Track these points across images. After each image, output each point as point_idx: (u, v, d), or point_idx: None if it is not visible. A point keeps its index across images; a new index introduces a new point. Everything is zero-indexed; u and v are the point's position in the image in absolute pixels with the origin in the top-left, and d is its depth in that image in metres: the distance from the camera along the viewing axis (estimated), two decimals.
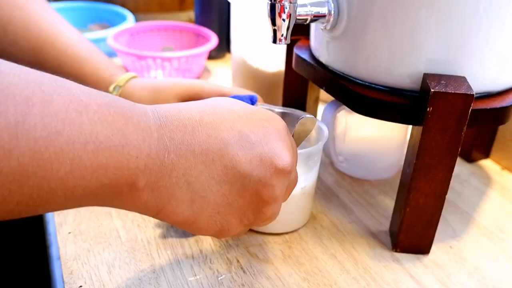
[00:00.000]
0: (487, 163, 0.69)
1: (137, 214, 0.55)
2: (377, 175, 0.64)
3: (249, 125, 0.35)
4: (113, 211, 0.55)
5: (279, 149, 0.36)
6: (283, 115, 0.56)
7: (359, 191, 0.61)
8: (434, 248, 0.52)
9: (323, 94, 0.75)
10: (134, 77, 0.61)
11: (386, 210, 0.58)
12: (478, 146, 0.68)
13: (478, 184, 0.64)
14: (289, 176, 0.37)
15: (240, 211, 0.36)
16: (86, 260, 0.48)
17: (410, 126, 0.63)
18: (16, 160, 0.25)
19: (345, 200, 0.60)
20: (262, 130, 0.36)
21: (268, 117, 0.38)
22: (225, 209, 0.35)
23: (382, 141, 0.62)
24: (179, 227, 0.36)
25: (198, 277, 0.47)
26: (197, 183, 0.33)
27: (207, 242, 0.51)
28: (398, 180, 0.62)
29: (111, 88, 0.59)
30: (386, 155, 0.63)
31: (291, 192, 0.41)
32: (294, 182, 0.41)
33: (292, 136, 0.44)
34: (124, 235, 0.51)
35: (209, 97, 0.62)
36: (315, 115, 0.67)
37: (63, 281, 0.45)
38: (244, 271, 0.48)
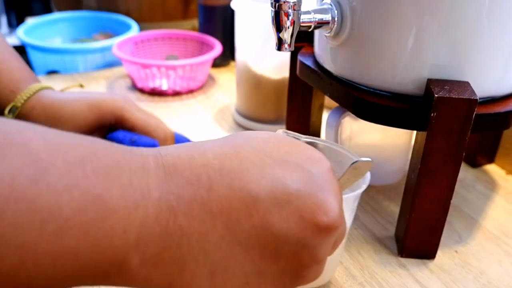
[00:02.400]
0: (492, 168, 0.69)
1: None
2: (382, 181, 0.64)
3: (285, 170, 0.28)
4: None
5: (324, 200, 0.28)
6: (311, 145, 0.43)
7: (365, 197, 0.62)
8: (439, 253, 0.52)
9: (328, 101, 0.76)
10: (41, 89, 0.54)
11: (392, 216, 0.58)
12: (483, 151, 0.69)
13: (483, 189, 0.64)
14: (336, 233, 0.29)
15: (275, 279, 0.28)
16: None
17: (415, 132, 0.63)
18: None
19: None
20: (302, 175, 0.28)
21: (309, 156, 0.30)
22: (255, 278, 0.27)
23: (386, 147, 0.63)
24: None
25: None
26: (218, 250, 0.26)
27: None
28: (403, 186, 0.62)
29: (6, 111, 0.50)
30: (391, 161, 0.64)
31: (338, 246, 0.33)
32: (342, 235, 0.32)
33: (341, 178, 0.36)
34: None
35: (128, 123, 0.55)
36: (319, 121, 0.67)
37: None
38: None
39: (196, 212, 0.25)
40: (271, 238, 0.27)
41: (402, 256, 0.52)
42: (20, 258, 0.21)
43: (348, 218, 0.44)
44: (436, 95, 0.43)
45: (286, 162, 0.28)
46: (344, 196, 0.35)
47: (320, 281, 0.47)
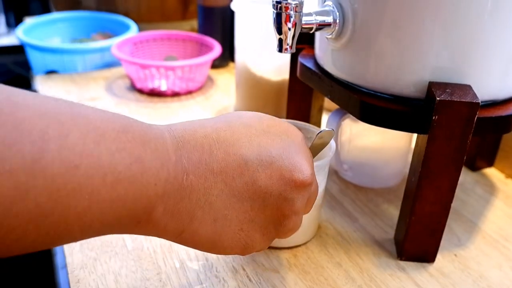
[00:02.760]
0: (491, 172, 0.69)
1: None
2: (382, 184, 0.64)
3: (267, 139, 0.35)
4: None
5: (298, 162, 0.35)
6: None
7: (364, 199, 0.62)
8: (439, 256, 0.52)
9: (327, 103, 0.76)
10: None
11: (391, 219, 0.58)
12: (482, 155, 0.69)
13: (482, 193, 0.64)
14: (309, 188, 0.36)
15: (262, 226, 0.35)
16: (93, 269, 0.48)
17: (415, 134, 0.63)
18: (33, 201, 0.24)
19: (350, 208, 0.60)
20: (281, 143, 0.35)
21: (285, 129, 0.37)
22: (248, 225, 0.34)
23: (386, 150, 0.63)
24: (202, 249, 0.35)
25: (204, 285, 0.47)
26: (219, 201, 0.33)
27: None
28: (403, 189, 0.62)
29: None
30: (391, 164, 0.63)
31: (313, 203, 0.40)
32: (315, 193, 0.40)
33: (309, 148, 0.44)
34: (130, 244, 0.51)
35: None
36: (319, 124, 0.67)
37: None
38: (250, 280, 0.48)
39: (201, 171, 0.32)
40: (259, 192, 0.33)
41: (401, 259, 0.52)
42: (89, 202, 0.26)
43: (321, 182, 0.51)
44: (438, 98, 0.43)
45: (268, 133, 0.35)
46: (316, 163, 0.46)
47: (303, 239, 0.53)
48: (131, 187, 0.28)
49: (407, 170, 0.66)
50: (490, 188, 0.65)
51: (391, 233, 0.56)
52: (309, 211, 0.40)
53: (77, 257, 0.49)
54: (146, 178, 0.29)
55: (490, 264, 0.52)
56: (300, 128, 0.54)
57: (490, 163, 0.70)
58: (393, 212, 0.59)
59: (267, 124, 0.36)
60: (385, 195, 0.63)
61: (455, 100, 0.43)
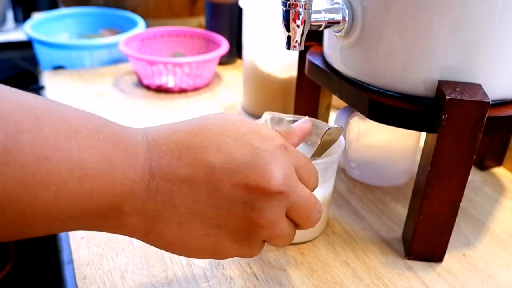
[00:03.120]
0: (500, 171, 0.69)
1: None
2: (389, 182, 0.64)
3: (238, 147, 0.34)
4: None
5: (267, 171, 0.34)
6: (294, 123, 0.55)
7: (371, 197, 0.61)
8: (447, 256, 0.52)
9: (335, 100, 0.75)
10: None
11: (398, 217, 0.58)
12: (491, 154, 0.68)
13: (491, 192, 0.64)
14: (281, 197, 0.34)
15: (232, 233, 0.35)
16: (99, 265, 0.48)
17: (423, 133, 0.63)
18: (0, 186, 0.26)
19: (357, 207, 0.59)
20: (252, 150, 0.34)
21: (263, 136, 0.35)
22: (214, 231, 0.34)
23: (394, 148, 0.62)
24: (172, 250, 0.35)
25: (211, 283, 0.47)
26: (184, 206, 0.33)
27: None
28: (410, 187, 0.62)
29: None
30: (398, 162, 0.63)
31: (308, 211, 0.37)
32: (304, 201, 0.37)
33: (318, 146, 0.45)
34: (136, 241, 0.51)
35: None
36: (326, 121, 0.67)
37: (77, 286, 0.45)
38: (256, 278, 0.48)
39: (168, 176, 0.32)
40: (224, 200, 0.33)
41: (409, 259, 0.51)
42: (56, 194, 0.28)
43: (330, 179, 0.52)
44: (448, 97, 0.42)
45: (242, 140, 0.34)
46: (325, 159, 0.47)
47: (310, 235, 0.53)
48: (98, 183, 0.29)
49: (415, 169, 0.66)
50: (499, 188, 0.65)
51: (398, 232, 0.55)
52: (307, 222, 0.38)
53: (83, 253, 0.49)
54: (113, 176, 0.30)
55: (498, 264, 0.52)
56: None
57: (499, 163, 0.69)
58: (401, 210, 0.59)
59: (243, 131, 0.35)
60: (392, 194, 0.62)
61: (465, 99, 0.42)
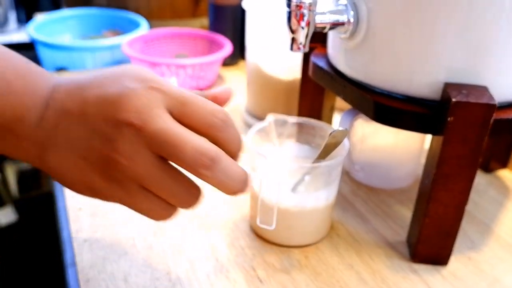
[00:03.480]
0: (505, 174, 0.68)
1: (152, 222, 0.54)
2: (394, 185, 0.63)
3: (111, 86, 0.35)
4: (128, 219, 0.55)
5: (122, 103, 0.34)
6: (298, 126, 0.55)
7: (375, 200, 0.61)
8: (452, 259, 0.51)
9: (339, 102, 0.75)
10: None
11: (403, 220, 0.57)
12: (496, 156, 0.68)
13: (496, 195, 0.63)
14: (134, 130, 0.33)
15: (95, 168, 0.35)
16: (102, 268, 0.48)
17: (428, 135, 0.62)
18: None
19: (361, 209, 0.59)
20: (121, 89, 0.34)
21: (137, 77, 0.35)
22: (81, 163, 0.35)
23: (398, 150, 0.62)
24: (57, 179, 0.37)
25: (215, 286, 0.46)
26: (61, 136, 0.35)
27: (223, 251, 0.51)
28: (415, 190, 0.62)
29: None
30: (403, 164, 0.63)
31: (173, 149, 0.33)
32: (167, 136, 0.33)
33: (322, 148, 0.46)
34: (139, 243, 0.51)
35: None
36: (330, 123, 0.66)
37: None
38: (260, 281, 0.47)
39: (57, 108, 0.35)
40: (88, 132, 0.35)
41: (414, 262, 0.51)
42: None
43: (335, 181, 0.51)
44: (454, 99, 0.42)
45: (117, 80, 0.35)
46: (330, 162, 0.48)
47: (315, 238, 0.53)
48: (3, 99, 0.34)
49: (419, 171, 0.66)
50: (504, 190, 0.64)
51: (403, 235, 0.55)
52: (177, 160, 0.34)
53: (86, 256, 0.49)
54: (10, 99, 0.34)
55: (504, 267, 0.51)
56: (313, 127, 0.55)
57: (504, 165, 0.69)
58: (406, 213, 0.59)
59: (123, 73, 0.36)
60: (397, 196, 0.62)
61: (471, 101, 0.42)
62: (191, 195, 0.36)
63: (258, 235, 0.53)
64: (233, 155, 0.37)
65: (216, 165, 0.34)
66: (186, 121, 0.35)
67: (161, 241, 0.52)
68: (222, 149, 0.35)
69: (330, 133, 0.44)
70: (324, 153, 0.48)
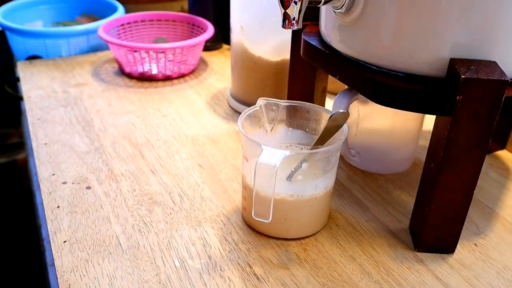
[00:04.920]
0: (504, 154, 0.66)
1: (138, 219, 0.50)
2: (391, 169, 0.60)
3: None
4: (112, 216, 0.51)
5: None
6: (291, 110, 0.51)
7: (373, 186, 0.58)
8: (458, 246, 0.48)
9: (330, 84, 0.71)
10: None
11: (404, 207, 0.54)
12: (494, 137, 0.65)
13: (497, 176, 0.61)
14: None
15: None
16: (85, 271, 0.43)
17: (426, 116, 0.59)
18: None
19: (359, 196, 0.56)
20: None
21: None
22: None
23: (396, 133, 0.58)
24: None
25: (208, 286, 0.43)
26: None
27: (216, 247, 0.47)
28: (414, 174, 0.59)
29: None
30: (401, 148, 0.60)
31: None
32: None
33: (322, 132, 0.43)
34: (124, 242, 0.47)
35: None
36: (323, 106, 0.63)
37: None
38: (257, 278, 0.44)
39: None
40: None
41: (419, 251, 0.48)
42: None
43: (333, 167, 0.47)
44: (463, 76, 0.39)
45: None
46: (328, 147, 0.44)
47: (313, 229, 0.49)
48: None
49: (417, 154, 0.63)
50: (505, 171, 0.62)
51: (405, 222, 0.52)
52: None
53: (66, 259, 0.45)
54: None
55: None
56: (308, 110, 0.51)
57: (502, 145, 0.66)
58: (406, 199, 0.56)
59: None
60: (395, 181, 0.59)
61: (482, 78, 0.39)
62: None
63: (252, 228, 0.50)
64: None
65: None
66: None
67: (148, 239, 0.48)
68: None
69: (331, 116, 0.40)
70: (324, 138, 0.44)
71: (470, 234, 0.51)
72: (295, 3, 0.42)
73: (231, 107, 0.76)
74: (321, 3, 0.44)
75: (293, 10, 0.43)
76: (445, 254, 0.48)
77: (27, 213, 1.03)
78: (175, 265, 0.45)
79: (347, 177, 0.59)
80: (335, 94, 0.77)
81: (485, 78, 0.39)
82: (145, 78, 0.84)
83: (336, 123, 0.42)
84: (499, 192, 0.58)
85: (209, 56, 0.94)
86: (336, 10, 0.46)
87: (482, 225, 0.52)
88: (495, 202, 0.56)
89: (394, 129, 0.58)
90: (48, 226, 0.49)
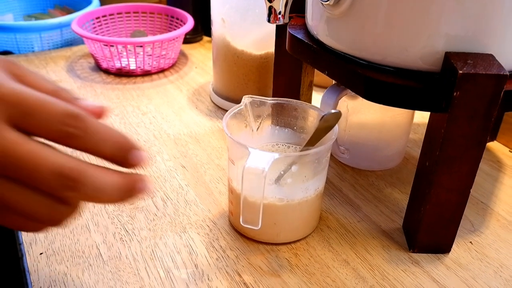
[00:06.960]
0: (495, 146, 0.64)
1: (119, 226, 0.48)
2: (382, 165, 0.58)
3: None
4: (91, 224, 0.48)
5: None
6: (278, 107, 0.49)
7: (364, 184, 0.56)
8: (453, 245, 0.47)
9: (316, 76, 0.69)
10: None
11: (396, 205, 0.53)
12: None
13: (488, 169, 0.59)
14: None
15: None
16: (64, 286, 0.41)
17: (416, 111, 0.57)
18: None
19: (350, 195, 0.54)
20: None
21: None
22: None
23: (386, 128, 0.57)
24: None
25: None
26: None
27: (202, 255, 0.45)
28: (405, 170, 0.57)
29: None
30: (391, 143, 0.58)
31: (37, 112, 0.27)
32: (23, 109, 0.27)
33: (313, 134, 0.41)
34: (105, 252, 0.44)
35: None
36: (309, 101, 0.61)
37: None
38: (247, 287, 0.42)
39: None
40: None
41: (413, 251, 0.46)
42: None
43: (324, 168, 0.46)
44: (461, 71, 0.36)
45: None
46: (319, 148, 0.43)
47: (304, 232, 0.47)
48: None
49: (408, 149, 0.61)
50: (496, 164, 0.61)
51: (398, 221, 0.50)
52: (43, 129, 0.28)
53: (43, 273, 0.42)
54: None
55: (509, 251, 0.47)
56: (295, 107, 0.49)
57: (492, 137, 0.65)
58: (398, 196, 0.54)
59: None
60: (387, 178, 0.57)
61: (480, 72, 0.37)
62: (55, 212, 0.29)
63: (240, 233, 0.47)
64: (109, 158, 0.30)
65: (81, 184, 0.27)
66: (36, 133, 0.28)
67: (130, 248, 0.45)
68: (92, 154, 0.29)
69: (322, 117, 0.38)
70: (314, 139, 0.42)
71: (465, 232, 0.49)
72: None
73: (213, 103, 0.73)
74: None
75: (279, 4, 0.40)
76: (440, 254, 0.46)
77: None
78: (159, 275, 0.42)
79: (337, 175, 0.57)
80: (322, 87, 0.75)
81: (484, 73, 0.37)
82: (123, 73, 0.81)
83: (328, 124, 0.40)
84: (492, 186, 0.57)
85: (189, 49, 0.91)
86: (324, 3, 0.44)
87: (477, 221, 0.51)
88: (488, 197, 0.55)
89: (384, 123, 0.56)
90: (23, 237, 0.46)
